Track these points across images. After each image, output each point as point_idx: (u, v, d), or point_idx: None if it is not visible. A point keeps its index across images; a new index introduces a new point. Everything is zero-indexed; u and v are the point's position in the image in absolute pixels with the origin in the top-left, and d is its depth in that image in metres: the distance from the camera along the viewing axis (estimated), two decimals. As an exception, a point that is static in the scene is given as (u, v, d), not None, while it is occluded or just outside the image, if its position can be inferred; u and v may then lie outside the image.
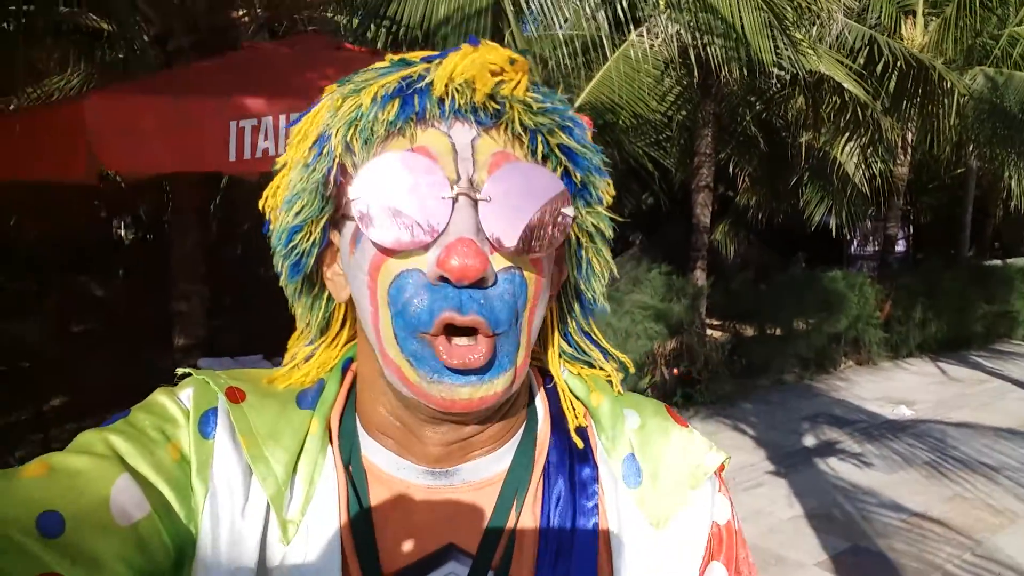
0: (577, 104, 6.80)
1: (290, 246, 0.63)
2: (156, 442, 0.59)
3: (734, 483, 5.50)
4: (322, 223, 0.62)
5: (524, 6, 5.37)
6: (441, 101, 0.57)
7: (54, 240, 6.98)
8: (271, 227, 0.65)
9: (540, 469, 0.65)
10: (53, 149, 2.81)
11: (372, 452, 0.64)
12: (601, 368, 0.73)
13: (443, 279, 0.54)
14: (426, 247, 0.55)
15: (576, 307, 0.70)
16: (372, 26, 5.69)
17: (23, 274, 7.19)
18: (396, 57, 0.61)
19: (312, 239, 0.63)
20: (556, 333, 0.71)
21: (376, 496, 0.62)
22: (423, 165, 0.55)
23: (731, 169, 11.01)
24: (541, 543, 0.62)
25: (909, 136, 10.32)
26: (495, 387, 0.57)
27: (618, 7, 6.24)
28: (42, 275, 7.09)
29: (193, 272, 5.12)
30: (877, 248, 14.00)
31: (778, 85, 8.83)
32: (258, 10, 5.29)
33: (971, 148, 11.17)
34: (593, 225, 0.65)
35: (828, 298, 9.33)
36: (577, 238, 0.65)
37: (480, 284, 0.55)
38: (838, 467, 5.87)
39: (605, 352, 0.74)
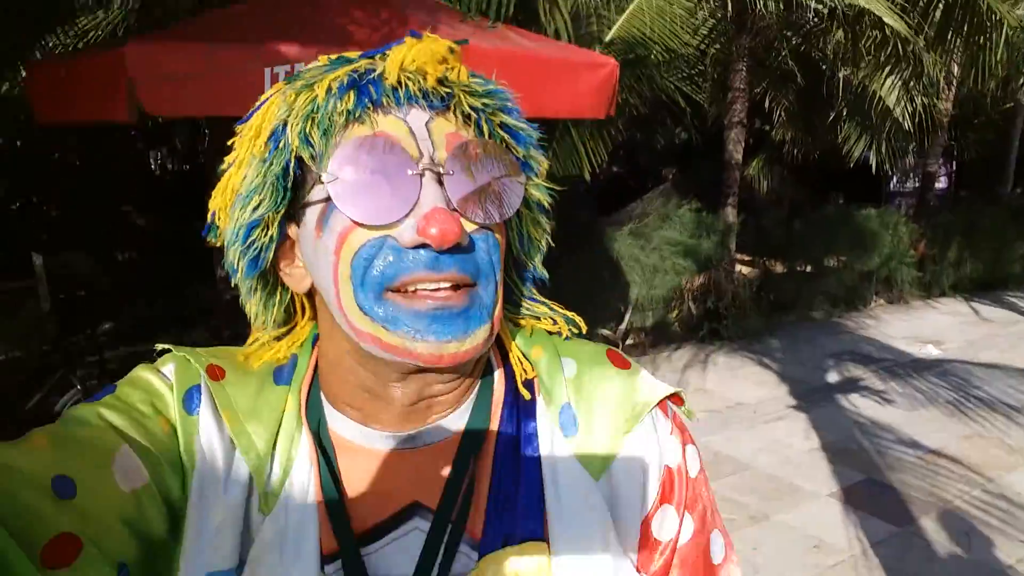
0: (608, 38, 6.71)
1: (248, 242, 0.65)
2: (147, 416, 0.62)
3: (755, 416, 5.65)
4: (279, 217, 0.64)
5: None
6: (395, 89, 0.61)
7: (96, 172, 7.19)
8: (219, 227, 0.68)
9: (495, 426, 0.69)
10: (96, 92, 2.94)
11: (338, 425, 0.67)
12: (552, 321, 0.76)
13: (421, 246, 0.58)
14: (399, 220, 0.59)
15: (516, 280, 0.75)
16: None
17: (71, 206, 7.45)
18: (335, 56, 0.64)
19: (270, 234, 0.65)
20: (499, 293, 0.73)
21: (344, 465, 0.66)
22: (388, 146, 0.59)
23: (766, 104, 10.76)
24: (490, 496, 0.65)
25: (955, 70, 9.99)
26: (477, 339, 0.61)
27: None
28: (88, 207, 7.33)
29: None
30: (917, 185, 13.70)
31: (816, 19, 8.57)
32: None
33: (1020, 83, 10.79)
34: (534, 196, 0.70)
35: (861, 236, 9.26)
36: (519, 210, 0.69)
37: (456, 248, 0.59)
38: (859, 403, 5.97)
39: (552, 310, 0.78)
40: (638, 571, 0.68)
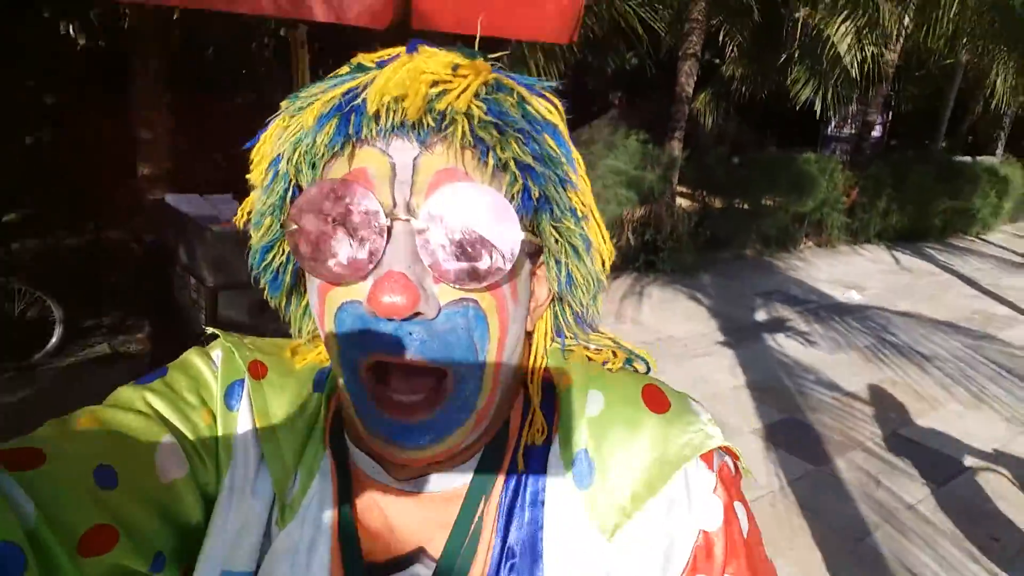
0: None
1: (263, 265, 0.62)
2: (192, 406, 0.61)
3: (684, 351, 5.77)
4: None
5: None
6: (377, 117, 0.53)
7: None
8: (251, 244, 0.64)
9: (504, 476, 0.62)
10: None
11: (355, 454, 0.63)
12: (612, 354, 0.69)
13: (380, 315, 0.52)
14: (364, 278, 0.53)
15: (571, 321, 0.67)
16: None
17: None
18: (355, 62, 0.58)
19: (285, 255, 0.62)
20: (546, 340, 0.67)
21: (359, 494, 0.62)
22: (356, 193, 0.52)
23: (720, 37, 10.68)
24: (495, 552, 0.60)
25: (906, 20, 10.07)
26: (447, 444, 0.56)
27: None
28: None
29: (156, 99, 4.94)
30: (853, 132, 13.97)
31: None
32: None
33: (964, 40, 10.97)
34: (564, 240, 0.60)
35: (799, 179, 9.43)
36: (555, 256, 0.61)
37: (418, 318, 0.52)
38: (784, 343, 6.17)
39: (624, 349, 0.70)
40: None
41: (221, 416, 0.62)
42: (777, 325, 6.68)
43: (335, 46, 6.81)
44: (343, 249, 0.52)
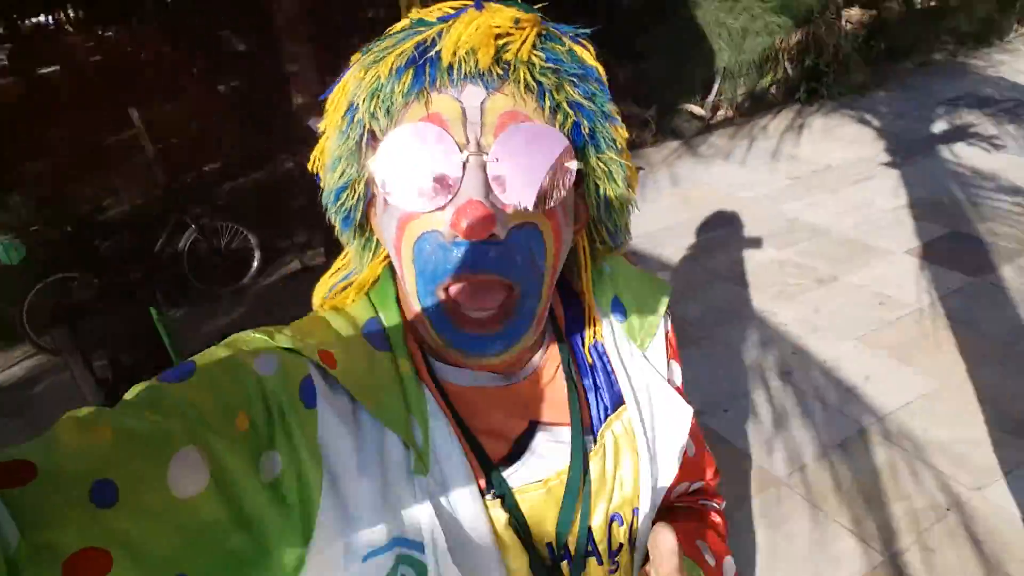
0: None
1: (338, 204, 0.69)
2: (223, 409, 0.56)
3: (842, 178, 5.48)
4: (364, 180, 0.67)
5: None
6: (450, 68, 0.60)
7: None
8: (322, 186, 0.70)
9: (566, 341, 0.78)
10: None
11: (447, 373, 0.70)
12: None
13: (457, 238, 0.59)
14: (442, 208, 0.59)
15: (605, 235, 0.76)
16: None
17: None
18: (415, 17, 0.64)
19: (357, 195, 0.68)
20: (586, 256, 0.76)
21: (464, 408, 0.70)
22: (434, 133, 0.59)
23: None
24: (586, 389, 0.76)
25: None
26: (516, 349, 0.65)
27: None
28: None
29: (299, 32, 5.36)
30: None
31: None
32: None
33: None
34: (605, 168, 0.68)
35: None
36: (595, 180, 0.69)
37: (492, 240, 0.59)
38: (962, 153, 5.65)
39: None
40: None
41: (296, 416, 0.60)
42: (958, 134, 6.05)
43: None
44: (425, 182, 0.59)
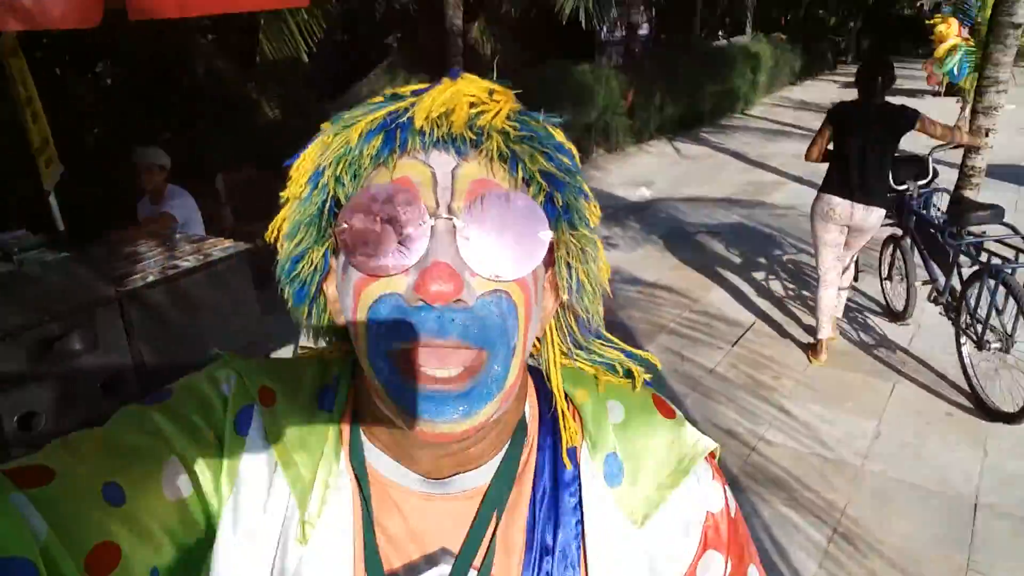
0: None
1: (292, 275, 0.67)
2: (198, 427, 0.62)
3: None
4: (322, 251, 0.65)
5: None
6: (422, 132, 0.59)
7: None
8: (279, 257, 0.68)
9: (529, 474, 0.68)
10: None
11: (375, 458, 0.66)
12: (624, 367, 0.75)
13: (421, 302, 0.56)
14: (406, 272, 0.57)
15: (573, 323, 0.72)
16: None
17: None
18: (389, 92, 0.64)
19: (314, 265, 0.66)
20: (555, 349, 0.72)
21: (378, 501, 0.65)
22: (403, 195, 0.57)
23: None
24: (528, 544, 0.65)
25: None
26: (478, 419, 0.58)
27: None
28: None
29: None
30: (624, 34, 14.71)
31: None
32: None
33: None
34: (578, 247, 0.66)
35: (578, 91, 9.89)
36: (566, 260, 0.67)
37: (459, 306, 0.56)
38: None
39: (627, 352, 0.76)
40: None
41: (229, 440, 0.63)
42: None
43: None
44: (390, 245, 0.57)
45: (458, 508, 0.65)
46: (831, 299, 4.43)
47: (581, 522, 0.66)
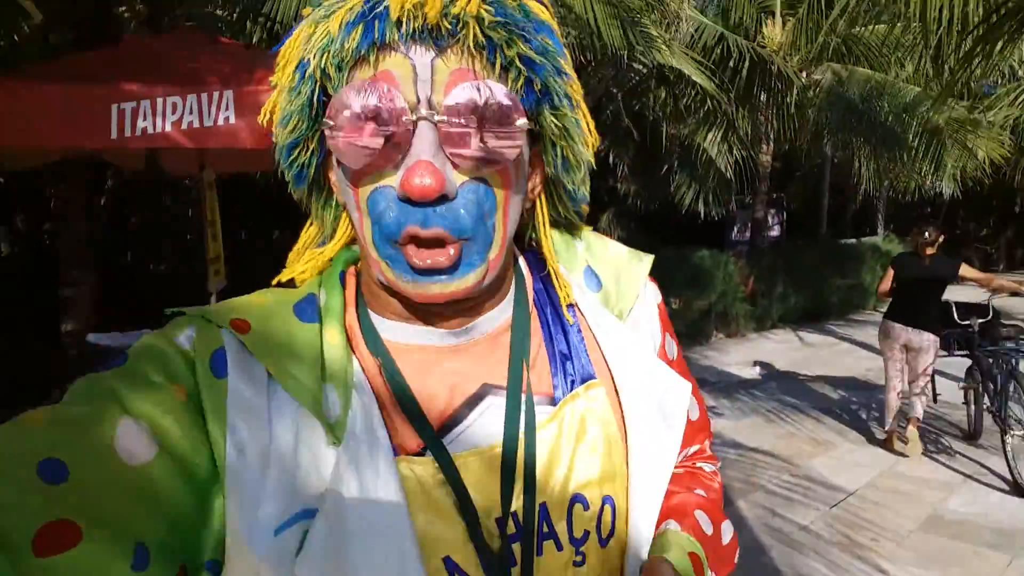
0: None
1: (290, 160, 0.68)
2: (159, 385, 0.59)
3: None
4: (317, 135, 0.66)
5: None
6: (399, 23, 0.59)
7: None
8: (275, 142, 0.70)
9: (532, 305, 0.76)
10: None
11: (397, 333, 0.69)
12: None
13: (408, 198, 0.59)
14: (394, 166, 0.60)
15: (563, 194, 0.77)
16: (249, 22, 6.01)
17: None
18: None
19: (311, 150, 0.67)
20: (545, 218, 0.77)
21: (410, 368, 0.68)
22: (384, 92, 0.59)
23: (610, 160, 11.73)
24: (550, 358, 0.73)
25: (771, 126, 11.34)
26: (465, 283, 0.63)
27: None
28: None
29: (80, 258, 5.29)
30: (749, 236, 15.11)
31: (636, 78, 9.57)
32: (139, 7, 5.52)
33: (825, 138, 12.32)
34: (560, 125, 0.68)
35: (696, 274, 10.15)
36: (551, 138, 0.68)
37: (443, 200, 0.60)
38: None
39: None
40: None
41: (207, 388, 0.60)
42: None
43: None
44: (375, 140, 0.59)
45: (484, 348, 0.71)
46: (893, 399, 5.47)
47: (577, 325, 0.76)
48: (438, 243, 0.61)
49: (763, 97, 9.69)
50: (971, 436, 5.66)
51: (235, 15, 6.27)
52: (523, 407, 0.68)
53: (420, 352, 0.69)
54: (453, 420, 0.67)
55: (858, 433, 6.01)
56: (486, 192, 0.63)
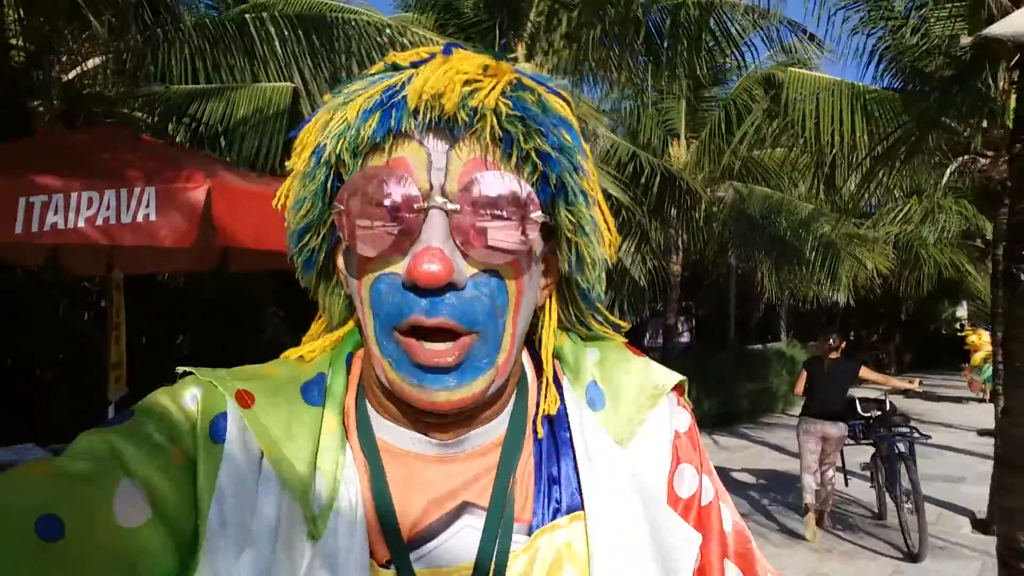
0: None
1: (300, 245, 0.68)
2: (160, 447, 0.59)
3: None
4: (329, 223, 0.65)
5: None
6: (416, 112, 0.59)
7: None
8: (287, 227, 0.69)
9: (530, 425, 0.71)
10: None
11: (387, 432, 0.67)
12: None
13: (415, 286, 0.57)
14: (402, 253, 0.59)
15: (576, 295, 0.73)
16: (171, 124, 5.95)
17: None
18: (390, 60, 0.65)
19: (321, 235, 0.67)
20: (552, 320, 0.73)
21: (394, 473, 0.65)
22: (397, 178, 0.58)
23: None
24: (536, 480, 0.68)
25: (681, 238, 11.89)
26: (472, 389, 0.61)
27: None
28: None
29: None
30: (661, 342, 15.53)
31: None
32: (55, 101, 5.40)
33: (730, 250, 13.01)
34: (575, 222, 0.66)
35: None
36: (566, 234, 0.67)
37: (451, 288, 0.58)
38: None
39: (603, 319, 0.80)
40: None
41: (204, 452, 0.60)
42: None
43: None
44: (386, 226, 0.58)
45: (474, 464, 0.67)
46: (809, 480, 6.11)
47: (572, 447, 0.70)
48: (443, 336, 0.59)
49: (673, 211, 10.20)
50: (878, 516, 6.57)
51: (156, 117, 6.19)
52: (499, 535, 0.65)
53: (408, 459, 0.66)
54: (426, 535, 0.64)
55: (782, 535, 6.08)
56: (499, 285, 0.61)
